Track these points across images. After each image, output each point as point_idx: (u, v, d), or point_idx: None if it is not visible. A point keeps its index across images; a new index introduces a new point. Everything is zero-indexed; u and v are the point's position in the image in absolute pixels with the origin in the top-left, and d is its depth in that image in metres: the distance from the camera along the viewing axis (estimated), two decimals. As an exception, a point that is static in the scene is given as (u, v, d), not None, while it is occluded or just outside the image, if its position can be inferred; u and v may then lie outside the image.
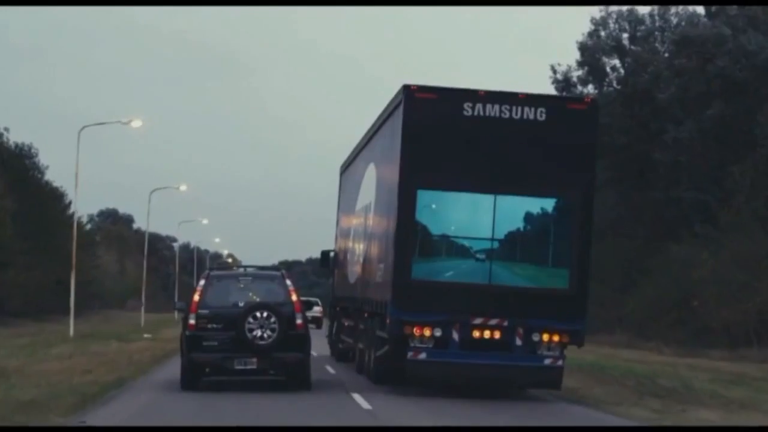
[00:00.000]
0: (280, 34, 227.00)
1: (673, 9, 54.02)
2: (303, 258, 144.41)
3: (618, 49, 54.82)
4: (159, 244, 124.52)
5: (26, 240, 62.08)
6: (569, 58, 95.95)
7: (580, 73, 55.68)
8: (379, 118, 23.96)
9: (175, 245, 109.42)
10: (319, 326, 62.51)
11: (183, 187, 68.97)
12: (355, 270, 26.80)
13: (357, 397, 20.16)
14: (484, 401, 20.09)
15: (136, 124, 42.64)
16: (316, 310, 66.43)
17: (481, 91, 20.48)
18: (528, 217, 20.35)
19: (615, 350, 39.56)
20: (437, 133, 20.33)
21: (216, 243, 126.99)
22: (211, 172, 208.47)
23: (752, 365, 32.25)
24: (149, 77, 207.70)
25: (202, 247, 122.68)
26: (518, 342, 20.31)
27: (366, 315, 23.88)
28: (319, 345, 37.35)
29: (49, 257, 65.26)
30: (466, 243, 20.33)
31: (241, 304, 20.67)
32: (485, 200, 20.24)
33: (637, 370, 27.77)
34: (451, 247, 20.36)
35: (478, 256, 20.31)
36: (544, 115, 20.29)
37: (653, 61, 51.56)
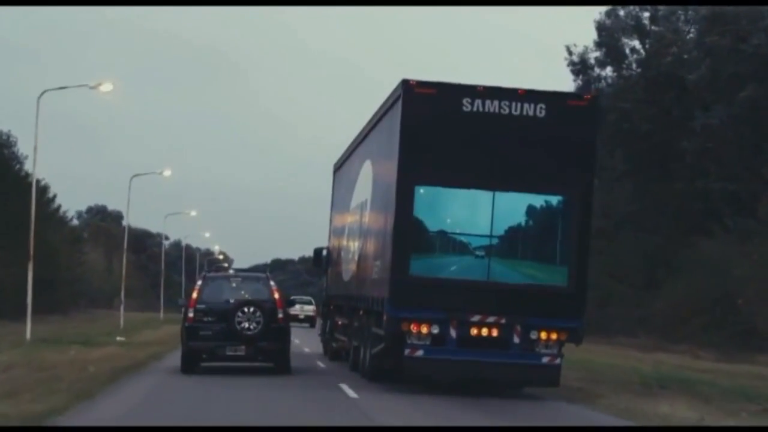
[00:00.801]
0: (274, 33, 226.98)
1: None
2: (296, 257, 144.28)
3: (638, 29, 50.97)
4: (149, 241, 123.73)
5: (3, 236, 57.16)
6: (587, 38, 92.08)
7: (597, 54, 52.01)
8: (375, 114, 23.77)
9: (166, 243, 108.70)
10: (312, 325, 62.20)
11: (167, 173, 66.76)
12: (350, 268, 26.62)
13: (345, 387, 20.24)
14: (478, 400, 19.88)
15: (106, 87, 40.32)
16: (309, 309, 66.28)
17: (481, 86, 20.31)
18: (528, 214, 20.18)
19: (644, 353, 35.84)
20: (436, 129, 20.17)
21: (206, 238, 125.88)
22: (205, 171, 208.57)
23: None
24: (144, 76, 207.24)
25: (193, 244, 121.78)
26: (516, 339, 20.16)
27: (361, 312, 23.72)
28: (313, 344, 37.11)
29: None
30: (465, 239, 20.16)
31: (231, 301, 23.91)
32: (484, 197, 20.08)
33: (723, 383, 23.72)
34: (449, 244, 20.19)
35: (476, 252, 20.15)
36: (543, 112, 20.13)
37: (677, 41, 48.23)
